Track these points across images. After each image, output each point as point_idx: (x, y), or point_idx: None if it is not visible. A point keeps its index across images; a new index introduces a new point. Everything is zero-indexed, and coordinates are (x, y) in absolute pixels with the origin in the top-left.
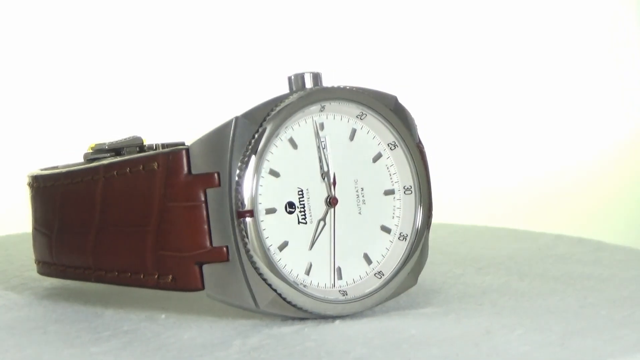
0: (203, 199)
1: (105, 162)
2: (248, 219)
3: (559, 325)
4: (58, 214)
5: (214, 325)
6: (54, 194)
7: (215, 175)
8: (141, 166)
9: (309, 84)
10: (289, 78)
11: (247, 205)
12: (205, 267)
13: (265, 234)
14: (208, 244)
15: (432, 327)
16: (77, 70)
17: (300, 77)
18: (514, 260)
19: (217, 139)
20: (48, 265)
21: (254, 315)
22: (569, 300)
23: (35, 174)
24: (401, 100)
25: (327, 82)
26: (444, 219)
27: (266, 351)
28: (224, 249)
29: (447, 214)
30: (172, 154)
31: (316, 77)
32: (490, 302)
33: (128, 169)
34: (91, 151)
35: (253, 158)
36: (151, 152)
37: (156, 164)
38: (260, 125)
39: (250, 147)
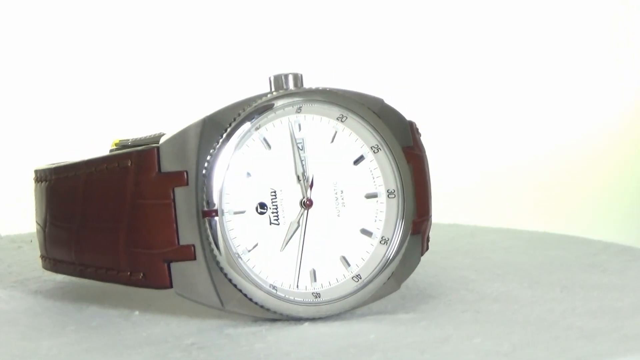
0: (172, 197)
1: (86, 158)
2: (212, 219)
3: (521, 335)
4: (48, 208)
5: (183, 323)
6: (45, 189)
7: (184, 174)
8: (117, 163)
9: (289, 84)
10: (269, 78)
11: (212, 205)
12: (173, 266)
13: (233, 234)
14: (176, 242)
15: (394, 333)
16: (84, 68)
17: (279, 78)
18: (541, 268)
19: (186, 138)
20: (44, 259)
21: (229, 314)
22: (558, 309)
23: (35, 168)
24: (391, 103)
25: (309, 84)
26: (504, 224)
27: (210, 351)
28: (191, 247)
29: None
30: (144, 152)
31: (297, 78)
32: (475, 310)
33: (105, 166)
34: (115, 147)
35: (219, 158)
36: (126, 150)
37: (129, 161)
38: (230, 125)
39: (217, 146)
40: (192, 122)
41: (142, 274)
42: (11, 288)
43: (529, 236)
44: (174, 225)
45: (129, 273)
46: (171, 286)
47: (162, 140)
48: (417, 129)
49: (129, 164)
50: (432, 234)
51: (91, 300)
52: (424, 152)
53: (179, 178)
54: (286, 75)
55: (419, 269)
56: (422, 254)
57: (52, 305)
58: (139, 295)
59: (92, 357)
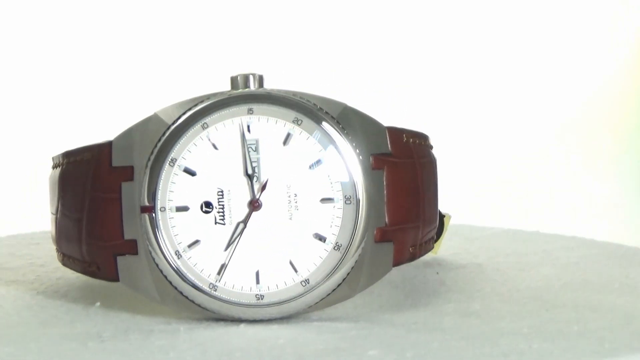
0: (120, 191)
1: (65, 150)
2: (149, 215)
3: (424, 350)
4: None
5: (129, 317)
6: (48, 177)
7: (131, 169)
8: (82, 156)
9: (249, 84)
10: (231, 78)
11: (150, 201)
12: (119, 259)
13: (175, 231)
14: (121, 236)
15: (307, 340)
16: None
17: (236, 78)
18: (570, 286)
19: (135, 133)
20: None
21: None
22: (505, 329)
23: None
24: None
25: (272, 84)
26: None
27: (106, 345)
28: (134, 242)
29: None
30: (100, 146)
31: (255, 79)
32: (424, 323)
33: (74, 158)
34: None
35: (160, 154)
36: (91, 144)
37: (90, 154)
38: (173, 123)
39: (159, 143)
40: (143, 118)
41: (96, 266)
42: (24, 278)
43: (622, 252)
44: (120, 219)
45: (87, 264)
46: (118, 279)
47: (115, 135)
48: (407, 136)
49: (90, 157)
50: (513, 242)
51: (84, 291)
52: (415, 159)
53: (126, 173)
54: (244, 76)
55: (448, 277)
56: (399, 263)
57: (40, 294)
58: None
59: None
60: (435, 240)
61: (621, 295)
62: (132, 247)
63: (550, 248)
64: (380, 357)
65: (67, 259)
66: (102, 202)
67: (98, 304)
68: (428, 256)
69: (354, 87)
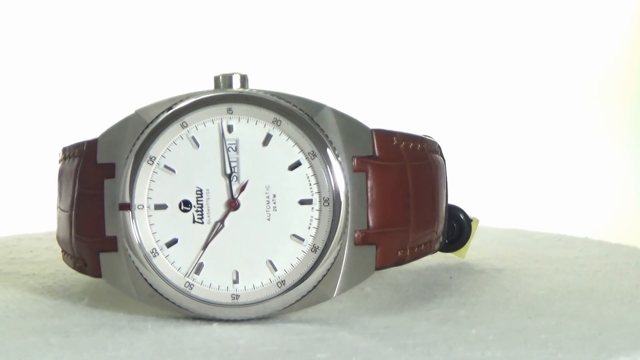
0: (102, 188)
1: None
2: (126, 212)
3: (373, 355)
4: None
5: (111, 314)
6: None
7: (113, 166)
8: (74, 152)
9: (233, 84)
10: (214, 77)
11: (128, 199)
12: (101, 255)
13: (154, 228)
14: (103, 233)
15: (266, 341)
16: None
17: (218, 78)
18: (578, 293)
19: (118, 131)
20: None
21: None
22: (470, 335)
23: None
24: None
25: (256, 85)
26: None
27: (65, 340)
28: (115, 239)
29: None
30: (89, 143)
31: (237, 78)
32: (395, 327)
33: (68, 153)
34: None
35: (138, 152)
36: (82, 141)
37: (79, 150)
38: (152, 122)
39: (137, 141)
40: (126, 116)
41: (84, 262)
42: (34, 271)
43: None
44: (103, 216)
45: (76, 259)
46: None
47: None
48: (398, 139)
49: (80, 154)
50: (553, 248)
51: (87, 286)
52: (406, 162)
53: (108, 170)
54: (226, 76)
55: (457, 282)
56: (384, 267)
57: (43, 288)
58: None
59: None
60: (462, 244)
61: (616, 305)
62: (112, 244)
63: (584, 255)
64: None
65: (63, 254)
66: (86, 198)
67: (86, 299)
68: (454, 260)
69: (357, 88)
